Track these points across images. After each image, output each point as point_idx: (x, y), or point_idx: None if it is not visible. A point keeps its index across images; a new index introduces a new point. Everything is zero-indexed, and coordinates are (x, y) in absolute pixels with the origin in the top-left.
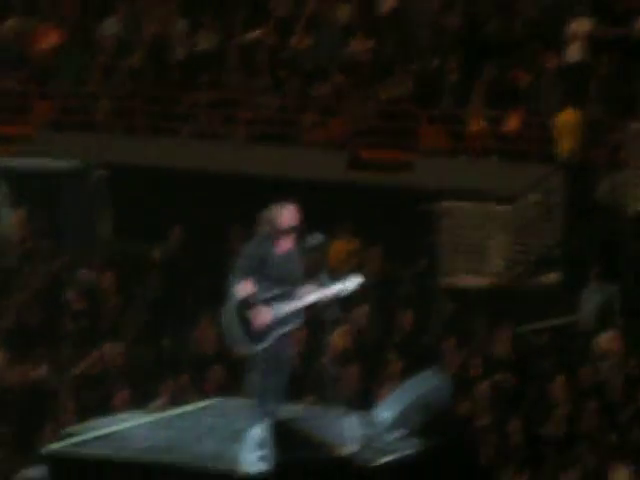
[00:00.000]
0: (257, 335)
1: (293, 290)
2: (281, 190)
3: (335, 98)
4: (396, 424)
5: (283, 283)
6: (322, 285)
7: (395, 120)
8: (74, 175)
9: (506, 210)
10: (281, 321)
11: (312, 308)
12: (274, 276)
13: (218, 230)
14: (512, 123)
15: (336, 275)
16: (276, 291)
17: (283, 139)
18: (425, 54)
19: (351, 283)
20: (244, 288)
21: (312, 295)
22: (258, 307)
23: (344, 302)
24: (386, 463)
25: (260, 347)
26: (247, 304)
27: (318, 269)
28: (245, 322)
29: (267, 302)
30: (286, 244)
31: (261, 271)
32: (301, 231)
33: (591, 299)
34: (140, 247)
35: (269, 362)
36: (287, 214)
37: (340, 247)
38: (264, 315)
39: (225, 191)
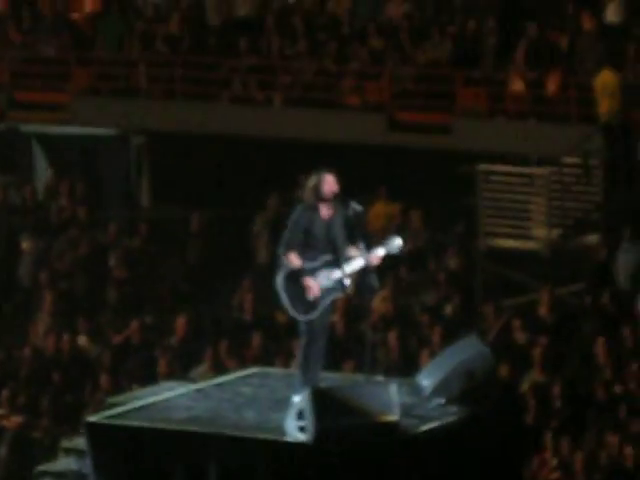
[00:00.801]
0: (308, 305)
1: (338, 258)
2: (320, 154)
3: (373, 62)
4: (437, 391)
5: (328, 250)
6: (364, 251)
7: (433, 83)
8: (114, 142)
9: (545, 173)
10: (329, 290)
11: (353, 274)
12: (319, 244)
13: (257, 195)
14: (551, 85)
15: (376, 239)
16: (322, 260)
17: (321, 103)
18: (463, 16)
19: (392, 247)
20: (292, 260)
21: (357, 262)
22: (307, 279)
23: (384, 267)
24: (428, 430)
25: (312, 316)
26: (296, 275)
27: (358, 236)
28: (295, 293)
29: (315, 272)
30: (328, 212)
31: (306, 241)
32: (340, 199)
33: (625, 259)
34: (179, 214)
35: (313, 331)
36: (328, 182)
37: (379, 210)
38: (313, 287)
39: (264, 156)
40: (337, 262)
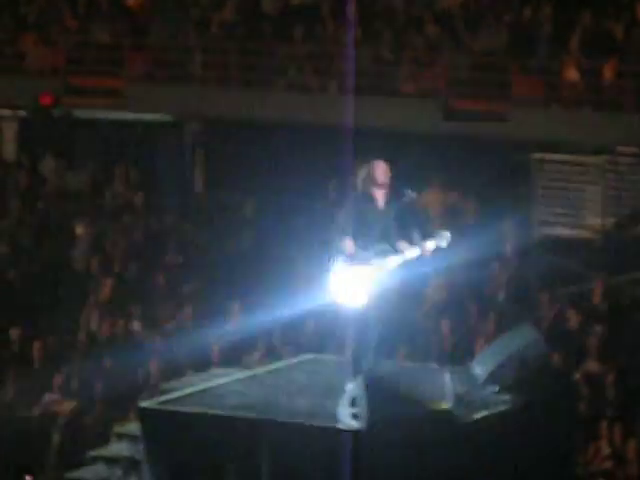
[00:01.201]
0: (361, 292)
1: (390, 247)
2: (375, 142)
3: (429, 49)
4: (491, 379)
5: (381, 239)
6: (415, 243)
7: (489, 71)
8: (168, 128)
9: (600, 161)
10: (381, 279)
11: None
12: (373, 233)
13: (314, 183)
14: (607, 73)
15: (430, 228)
16: (376, 249)
17: (377, 91)
18: (519, 4)
19: (441, 240)
20: (347, 246)
21: (408, 254)
22: (361, 266)
23: (439, 254)
24: (482, 418)
25: (363, 304)
26: (350, 262)
27: (413, 224)
28: (349, 280)
29: (368, 260)
30: (381, 200)
31: (360, 229)
32: (394, 186)
33: None
34: (234, 200)
35: (366, 319)
36: (381, 170)
37: (434, 198)
38: (366, 274)
39: (320, 143)
40: (389, 252)
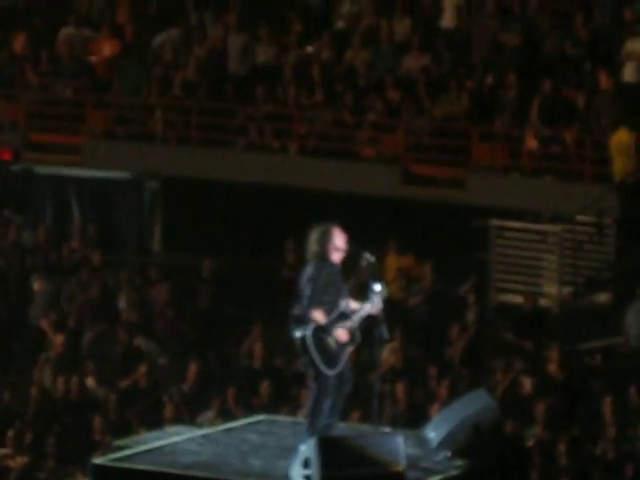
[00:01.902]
0: (333, 359)
1: (344, 309)
2: (333, 204)
3: (389, 114)
4: (444, 444)
5: (336, 301)
6: (365, 301)
7: (449, 137)
8: (127, 186)
9: (558, 230)
10: (345, 343)
11: (362, 327)
12: (334, 297)
13: (270, 243)
14: (567, 142)
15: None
16: (337, 312)
17: (337, 154)
18: (481, 71)
19: (382, 292)
20: (318, 317)
21: (362, 312)
22: (337, 330)
23: (394, 319)
24: None
25: (337, 370)
26: (323, 331)
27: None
28: (323, 347)
29: (336, 325)
30: (338, 263)
31: (326, 295)
32: (353, 249)
33: (636, 318)
34: (191, 260)
35: (328, 384)
36: (340, 235)
37: (392, 262)
38: (343, 334)
39: (279, 204)
40: (346, 314)
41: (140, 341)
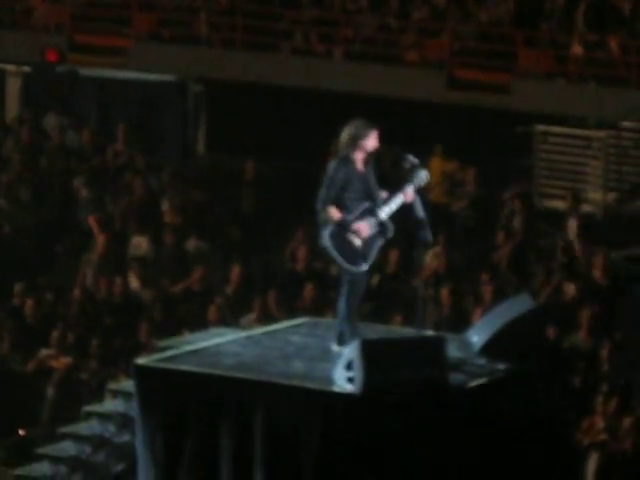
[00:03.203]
0: (358, 255)
1: (374, 205)
2: (379, 109)
3: (434, 18)
4: (487, 347)
5: (365, 202)
6: (395, 192)
7: (494, 42)
8: (172, 89)
9: (603, 136)
10: (373, 237)
11: (406, 230)
12: (357, 196)
13: (314, 147)
14: (612, 48)
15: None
16: (360, 208)
17: (382, 59)
18: None
19: (420, 180)
20: (332, 214)
21: (393, 203)
22: (355, 225)
23: (437, 223)
24: (476, 386)
25: (365, 267)
26: (340, 229)
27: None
28: (343, 246)
29: (360, 218)
30: (360, 163)
31: (344, 194)
32: (397, 151)
33: None
34: (235, 163)
35: (358, 281)
36: (374, 137)
37: (435, 167)
38: (364, 228)
39: (323, 109)
40: (374, 209)
41: (190, 244)
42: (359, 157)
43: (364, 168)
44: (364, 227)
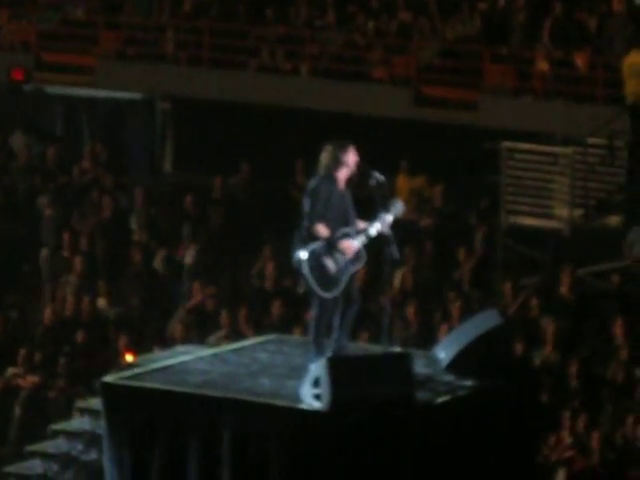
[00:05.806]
0: (331, 281)
1: (351, 229)
2: (345, 126)
3: (401, 35)
4: (454, 364)
5: (342, 222)
6: (372, 221)
7: (461, 58)
8: (138, 107)
9: (569, 152)
10: (347, 263)
11: (373, 247)
12: (335, 216)
13: (281, 164)
14: (578, 64)
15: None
16: (340, 232)
17: (349, 75)
18: None
19: (397, 210)
20: (321, 231)
21: (370, 231)
22: (343, 242)
23: (404, 241)
24: (443, 402)
25: (336, 293)
26: (329, 245)
27: (379, 206)
28: (319, 269)
29: (341, 240)
30: (342, 182)
31: (324, 212)
32: (363, 169)
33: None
34: (202, 181)
35: (326, 303)
36: (352, 151)
37: (403, 183)
38: (352, 246)
39: (289, 126)
40: (352, 234)
41: (158, 261)
42: (342, 176)
43: (342, 189)
44: (352, 245)
